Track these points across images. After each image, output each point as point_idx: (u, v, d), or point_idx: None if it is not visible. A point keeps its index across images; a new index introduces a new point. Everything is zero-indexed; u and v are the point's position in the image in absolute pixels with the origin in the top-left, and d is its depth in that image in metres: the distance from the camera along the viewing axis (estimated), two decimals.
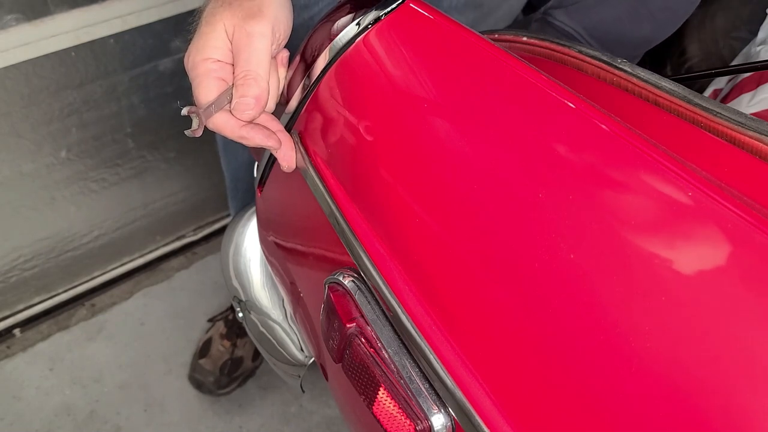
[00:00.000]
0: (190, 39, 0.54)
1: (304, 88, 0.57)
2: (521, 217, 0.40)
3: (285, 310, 0.85)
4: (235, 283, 0.89)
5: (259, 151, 0.71)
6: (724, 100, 0.82)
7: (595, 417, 0.36)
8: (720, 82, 0.89)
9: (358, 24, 0.52)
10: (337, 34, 0.53)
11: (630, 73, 0.51)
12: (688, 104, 0.48)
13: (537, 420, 0.39)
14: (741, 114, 0.45)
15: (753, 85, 0.77)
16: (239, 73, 0.52)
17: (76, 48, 1.14)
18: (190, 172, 1.47)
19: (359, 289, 0.51)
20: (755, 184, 0.40)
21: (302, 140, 0.58)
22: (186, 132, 0.53)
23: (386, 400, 0.47)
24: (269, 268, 0.83)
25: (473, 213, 0.43)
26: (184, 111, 0.53)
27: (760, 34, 0.88)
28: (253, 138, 0.54)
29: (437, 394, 0.45)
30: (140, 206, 1.43)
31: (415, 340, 0.45)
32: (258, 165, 0.71)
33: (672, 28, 0.79)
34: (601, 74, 0.54)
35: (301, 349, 0.83)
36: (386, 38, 0.51)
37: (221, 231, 1.55)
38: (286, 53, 0.57)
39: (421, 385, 0.45)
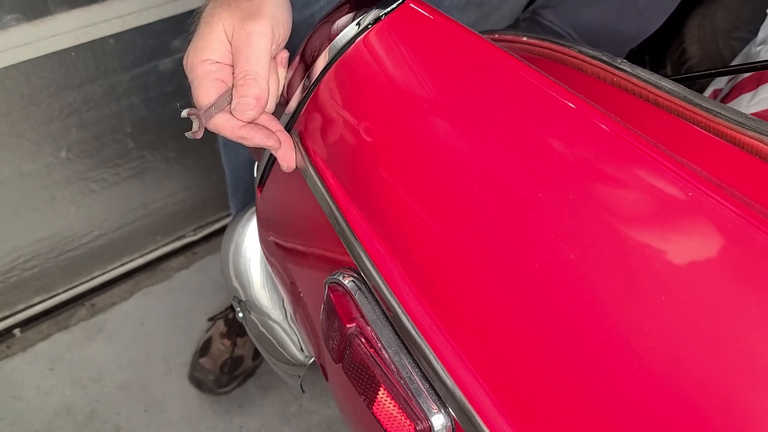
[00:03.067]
0: (190, 40, 0.54)
1: (303, 89, 0.57)
2: (521, 217, 0.40)
3: (285, 310, 0.85)
4: (235, 283, 0.89)
5: (258, 151, 0.71)
6: (724, 100, 0.82)
7: (595, 417, 0.36)
8: (720, 82, 0.89)
9: (358, 24, 0.52)
10: (337, 34, 0.53)
11: (630, 73, 0.51)
12: (688, 104, 0.48)
13: (537, 420, 0.39)
14: (741, 114, 0.45)
15: (753, 85, 0.77)
16: (239, 73, 0.52)
17: (76, 48, 1.14)
18: (190, 172, 1.47)
19: (359, 289, 0.51)
20: (755, 184, 0.40)
21: (302, 140, 0.58)
22: (186, 134, 0.53)
23: (386, 400, 0.47)
24: (269, 268, 0.83)
25: (473, 213, 0.43)
26: (184, 113, 0.53)
27: (760, 34, 0.88)
28: (253, 138, 0.54)
29: (437, 394, 0.45)
30: (140, 206, 1.43)
31: (415, 340, 0.45)
32: (258, 165, 0.71)
33: (656, 24, 0.80)
34: (601, 74, 0.54)
35: (301, 349, 0.83)
36: (386, 38, 0.51)
37: (221, 231, 1.55)
38: (285, 53, 0.57)
39: (421, 385, 0.45)
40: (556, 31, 0.75)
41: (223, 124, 0.54)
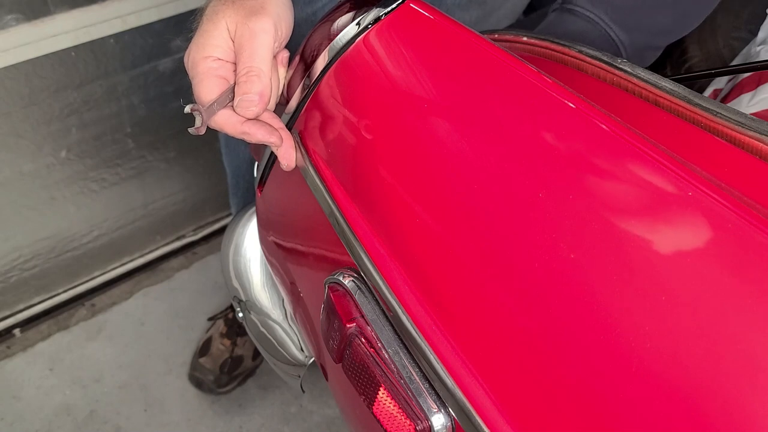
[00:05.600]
0: (191, 37, 0.54)
1: (304, 88, 0.57)
2: (521, 216, 0.40)
3: (285, 310, 0.85)
4: (235, 283, 0.89)
5: (258, 151, 0.71)
6: (724, 100, 0.82)
7: (595, 417, 0.36)
8: (720, 82, 0.89)
9: (358, 24, 0.52)
10: (337, 34, 0.53)
11: (630, 73, 0.51)
12: (688, 104, 0.48)
13: (537, 420, 0.39)
14: (741, 114, 0.45)
15: (753, 85, 0.77)
16: (242, 70, 0.52)
17: (76, 48, 1.14)
18: (190, 172, 1.47)
19: (359, 289, 0.51)
20: (755, 184, 0.40)
21: (302, 140, 0.58)
22: (189, 130, 0.53)
23: (386, 400, 0.47)
24: (269, 268, 0.83)
25: (473, 213, 0.43)
26: (187, 109, 0.53)
27: (760, 34, 0.88)
28: (256, 133, 0.54)
29: (437, 394, 0.45)
30: (140, 206, 1.43)
31: (415, 340, 0.45)
32: (258, 165, 0.71)
33: (693, 21, 0.78)
34: (601, 74, 0.54)
35: (301, 349, 0.83)
36: (386, 38, 0.51)
37: (221, 231, 1.55)
38: (286, 53, 0.57)
39: (421, 385, 0.45)
40: (588, 17, 0.73)
41: (225, 121, 0.54)
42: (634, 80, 0.51)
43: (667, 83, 0.50)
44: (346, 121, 0.53)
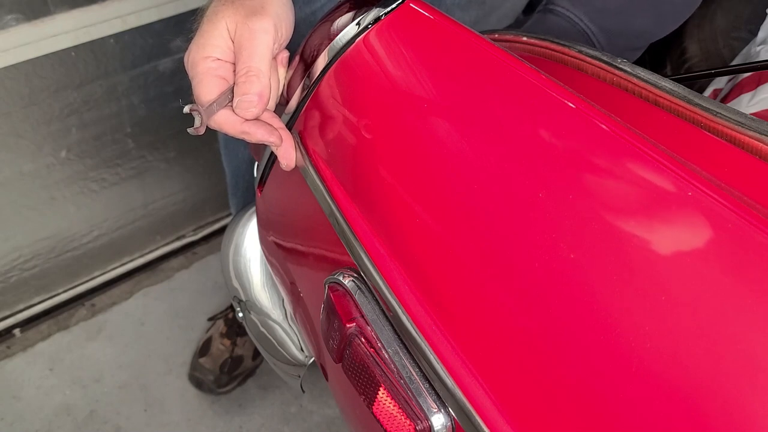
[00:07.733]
0: (191, 38, 0.54)
1: (304, 88, 0.57)
2: (521, 216, 0.40)
3: (285, 310, 0.85)
4: (235, 283, 0.89)
5: (258, 151, 0.71)
6: (724, 100, 0.82)
7: (595, 417, 0.36)
8: (720, 82, 0.89)
9: (358, 24, 0.52)
10: (337, 34, 0.53)
11: (630, 73, 0.51)
12: (688, 104, 0.48)
13: (537, 420, 0.39)
14: (741, 114, 0.45)
15: (753, 85, 0.77)
16: (241, 70, 0.52)
17: (76, 48, 1.14)
18: (190, 172, 1.47)
19: (359, 289, 0.51)
20: (755, 184, 0.40)
21: (302, 140, 0.58)
22: (189, 130, 0.53)
23: (386, 400, 0.47)
24: (269, 268, 0.83)
25: (473, 213, 0.43)
26: (186, 109, 0.53)
27: (760, 34, 0.88)
28: (255, 133, 0.54)
29: (437, 394, 0.45)
30: (140, 206, 1.43)
31: (415, 340, 0.45)
32: (258, 165, 0.71)
33: (673, 23, 0.79)
34: (601, 74, 0.54)
35: (301, 349, 0.83)
36: (386, 38, 0.51)
37: (221, 231, 1.55)
38: (285, 53, 0.57)
39: (421, 385, 0.45)
40: (569, 17, 0.73)
41: (225, 121, 0.54)
42: (634, 80, 0.51)
43: (667, 83, 0.50)
44: (346, 121, 0.53)
